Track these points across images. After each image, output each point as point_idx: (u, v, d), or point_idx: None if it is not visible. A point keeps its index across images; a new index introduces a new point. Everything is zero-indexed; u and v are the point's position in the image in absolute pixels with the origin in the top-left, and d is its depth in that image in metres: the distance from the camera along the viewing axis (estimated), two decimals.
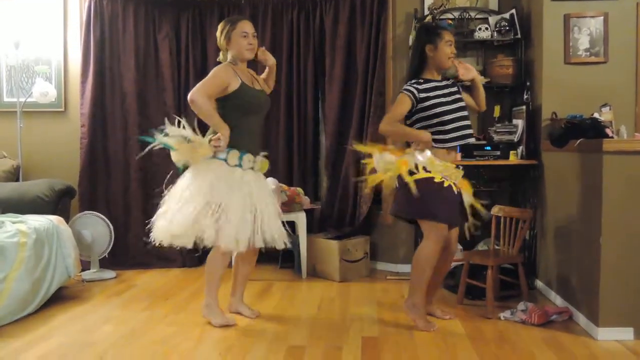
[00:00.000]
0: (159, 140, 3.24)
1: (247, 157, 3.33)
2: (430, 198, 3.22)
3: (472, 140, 3.41)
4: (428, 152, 3.25)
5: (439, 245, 3.27)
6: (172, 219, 3.23)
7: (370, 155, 3.37)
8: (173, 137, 3.24)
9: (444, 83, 3.36)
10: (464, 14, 4.63)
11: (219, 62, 3.46)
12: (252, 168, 3.37)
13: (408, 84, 3.30)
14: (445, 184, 3.24)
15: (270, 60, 3.57)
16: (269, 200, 3.43)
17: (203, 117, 3.26)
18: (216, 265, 3.38)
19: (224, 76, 3.29)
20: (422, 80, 3.30)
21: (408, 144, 3.49)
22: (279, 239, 3.38)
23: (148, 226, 3.38)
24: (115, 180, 5.01)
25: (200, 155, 3.25)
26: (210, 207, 3.21)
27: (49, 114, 5.08)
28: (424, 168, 3.24)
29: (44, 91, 4.78)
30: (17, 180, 4.80)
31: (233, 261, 3.65)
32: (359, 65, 4.84)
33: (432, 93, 3.28)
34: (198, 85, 3.26)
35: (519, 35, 4.44)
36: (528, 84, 4.31)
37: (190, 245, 3.28)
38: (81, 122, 4.96)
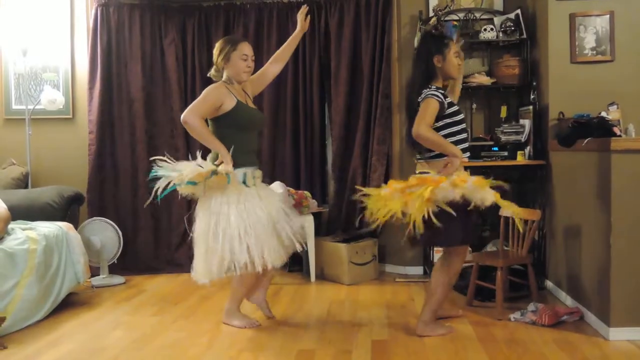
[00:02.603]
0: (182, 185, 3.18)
1: (250, 174, 3.33)
2: (455, 225, 3.05)
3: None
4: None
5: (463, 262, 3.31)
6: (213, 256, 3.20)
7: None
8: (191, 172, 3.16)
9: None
10: (469, 14, 4.62)
11: (210, 78, 3.49)
12: (254, 184, 3.36)
13: (434, 89, 3.20)
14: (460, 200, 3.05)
15: (306, 25, 3.71)
16: (279, 207, 3.41)
17: (197, 137, 3.30)
18: (245, 280, 3.39)
19: (215, 95, 3.30)
20: (436, 87, 3.28)
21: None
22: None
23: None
24: (123, 186, 5.03)
25: (218, 186, 3.19)
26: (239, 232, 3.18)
27: (57, 121, 5.11)
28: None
29: (52, 98, 4.80)
30: (26, 187, 4.82)
31: None
32: (364, 68, 4.84)
33: (452, 100, 3.29)
34: (190, 106, 3.29)
35: (524, 35, 4.43)
36: (534, 83, 4.30)
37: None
38: (89, 128, 4.98)
